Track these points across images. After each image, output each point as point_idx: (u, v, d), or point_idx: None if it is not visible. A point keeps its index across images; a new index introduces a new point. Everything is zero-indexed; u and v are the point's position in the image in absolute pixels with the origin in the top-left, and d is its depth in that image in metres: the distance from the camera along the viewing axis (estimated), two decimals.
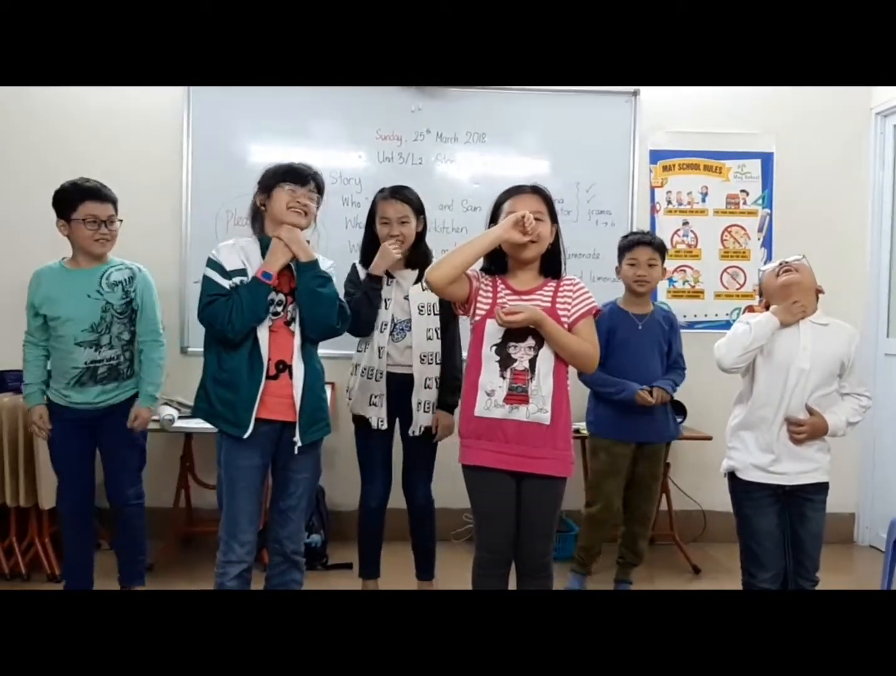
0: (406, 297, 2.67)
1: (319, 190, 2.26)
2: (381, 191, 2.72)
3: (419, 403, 2.67)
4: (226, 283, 2.15)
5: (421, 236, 2.73)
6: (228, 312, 2.11)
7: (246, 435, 2.13)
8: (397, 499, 2.86)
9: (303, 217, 2.20)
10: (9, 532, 3.12)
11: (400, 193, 2.68)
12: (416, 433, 2.69)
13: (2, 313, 3.44)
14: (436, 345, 2.68)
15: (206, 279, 2.19)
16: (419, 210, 2.71)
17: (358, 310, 2.48)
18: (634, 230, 3.25)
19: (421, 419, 2.69)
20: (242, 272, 2.17)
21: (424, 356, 2.67)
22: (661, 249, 2.92)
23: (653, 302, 3.03)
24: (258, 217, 2.27)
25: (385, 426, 2.68)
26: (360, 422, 2.73)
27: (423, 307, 2.66)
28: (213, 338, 2.19)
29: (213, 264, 2.19)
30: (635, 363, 2.85)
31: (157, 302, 2.72)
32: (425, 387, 2.68)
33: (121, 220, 2.63)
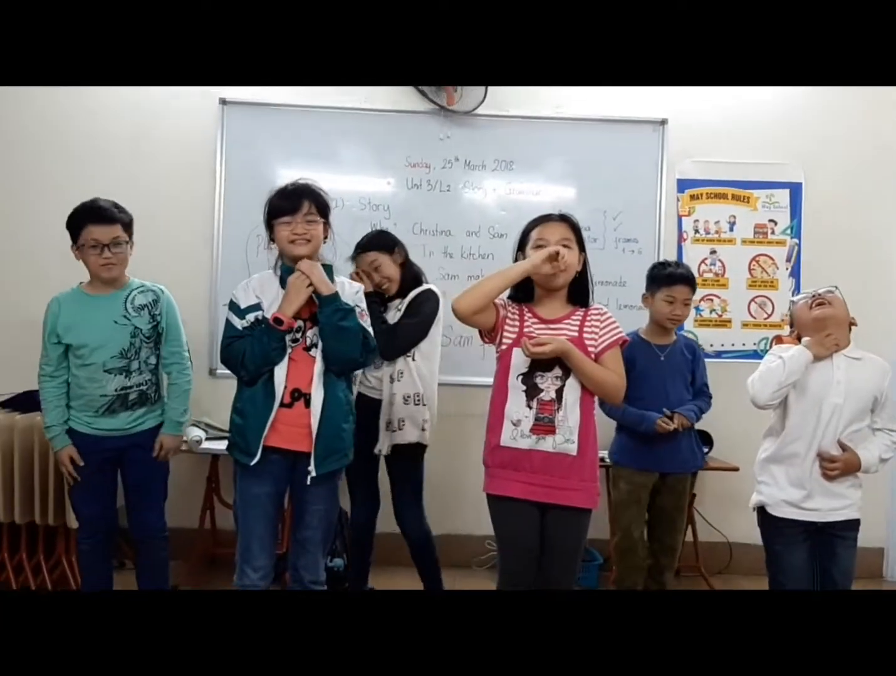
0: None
1: (319, 208, 2.21)
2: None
3: (386, 423, 2.72)
4: (240, 323, 2.19)
5: (405, 265, 2.84)
6: (241, 356, 2.14)
7: (253, 463, 2.14)
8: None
9: (305, 245, 2.18)
10: (36, 549, 3.16)
11: (364, 246, 2.81)
12: (384, 452, 2.73)
13: (35, 334, 3.52)
14: (404, 364, 2.73)
15: (226, 321, 2.25)
16: (390, 246, 2.81)
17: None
18: (670, 260, 3.14)
19: (385, 438, 2.72)
20: (256, 307, 2.19)
21: (393, 375, 2.73)
22: (694, 286, 2.89)
23: (676, 331, 2.97)
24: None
25: None
26: None
27: None
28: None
29: (231, 305, 2.24)
30: (658, 394, 2.79)
31: (182, 324, 2.66)
32: (390, 405, 2.71)
33: (127, 242, 2.49)
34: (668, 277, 2.82)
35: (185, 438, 2.75)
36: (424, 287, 2.83)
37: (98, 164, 3.65)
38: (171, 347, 2.61)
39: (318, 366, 2.17)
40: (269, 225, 2.22)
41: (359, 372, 2.70)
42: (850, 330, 2.32)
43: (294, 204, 2.17)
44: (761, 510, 2.33)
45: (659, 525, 2.89)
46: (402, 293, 2.81)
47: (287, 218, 2.16)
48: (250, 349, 2.13)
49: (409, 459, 2.78)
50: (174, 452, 2.62)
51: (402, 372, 2.73)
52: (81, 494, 2.56)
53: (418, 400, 2.75)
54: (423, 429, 2.75)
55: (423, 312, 2.76)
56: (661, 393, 2.79)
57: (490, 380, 2.24)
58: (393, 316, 2.79)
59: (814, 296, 2.32)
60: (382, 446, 2.74)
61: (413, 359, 2.74)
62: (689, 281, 2.83)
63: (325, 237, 2.26)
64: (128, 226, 2.51)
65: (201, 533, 3.47)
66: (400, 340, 2.71)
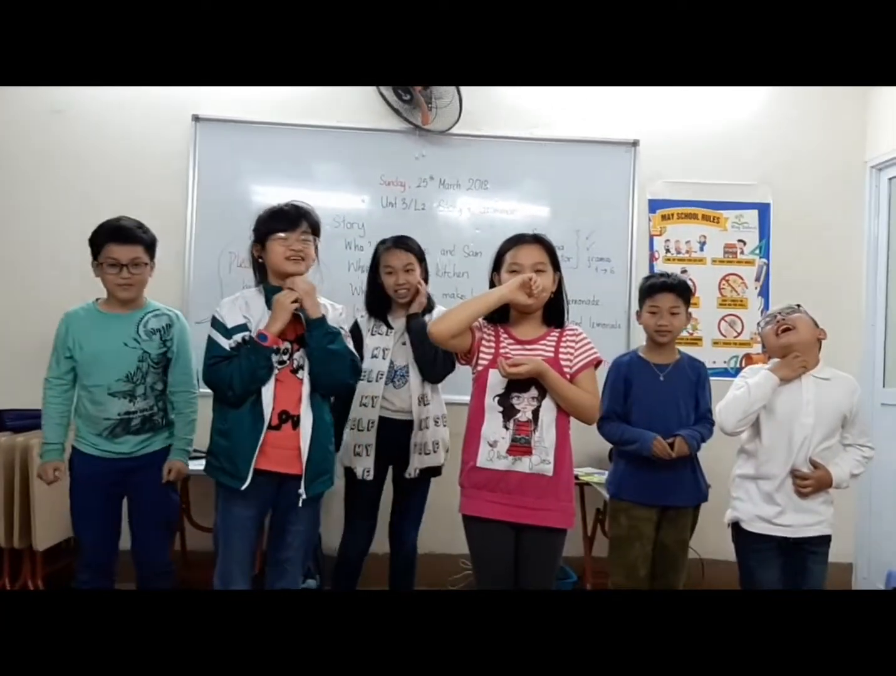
0: (405, 343, 2.69)
1: (313, 228, 2.23)
2: (384, 242, 2.75)
3: (415, 445, 2.68)
4: (227, 343, 2.15)
5: (423, 282, 2.77)
6: (229, 377, 2.11)
7: (243, 487, 2.12)
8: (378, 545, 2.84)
9: (300, 263, 2.19)
10: (1, 572, 3.08)
11: (402, 242, 2.72)
12: (412, 475, 2.69)
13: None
14: (428, 386, 2.70)
15: (209, 340, 2.19)
16: (421, 257, 2.75)
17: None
18: (659, 272, 2.89)
19: (416, 461, 2.69)
20: (244, 327, 2.16)
21: (422, 397, 2.69)
22: (685, 293, 2.62)
23: (679, 350, 2.71)
24: (258, 267, 2.27)
25: (371, 476, 2.65)
26: (348, 473, 2.72)
27: None
28: (217, 397, 2.21)
29: (215, 323, 2.19)
30: (656, 417, 2.55)
31: (192, 351, 2.54)
32: (421, 429, 2.68)
33: (147, 264, 2.44)
34: (649, 288, 2.62)
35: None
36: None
37: (69, 179, 3.61)
38: (179, 375, 2.52)
39: (306, 389, 2.17)
40: (261, 241, 2.20)
41: (379, 394, 2.65)
42: (819, 346, 2.35)
43: (292, 221, 2.18)
44: (735, 525, 2.35)
45: (661, 562, 2.60)
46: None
47: (284, 234, 2.16)
48: (238, 369, 2.11)
49: (427, 481, 2.77)
50: (181, 474, 2.51)
51: (426, 395, 2.69)
52: (85, 519, 2.44)
53: (445, 422, 2.76)
54: (446, 450, 2.76)
55: None
56: (659, 416, 2.55)
57: (464, 399, 2.25)
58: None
59: (778, 321, 2.34)
60: (412, 469, 2.68)
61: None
62: (671, 288, 2.58)
63: (314, 259, 2.27)
64: (149, 247, 2.46)
65: (172, 556, 3.40)
66: (451, 367, 2.61)
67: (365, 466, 2.66)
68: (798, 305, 2.39)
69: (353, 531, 2.77)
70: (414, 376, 2.68)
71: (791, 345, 2.28)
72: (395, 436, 2.67)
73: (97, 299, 2.51)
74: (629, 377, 2.60)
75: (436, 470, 2.77)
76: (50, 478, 2.44)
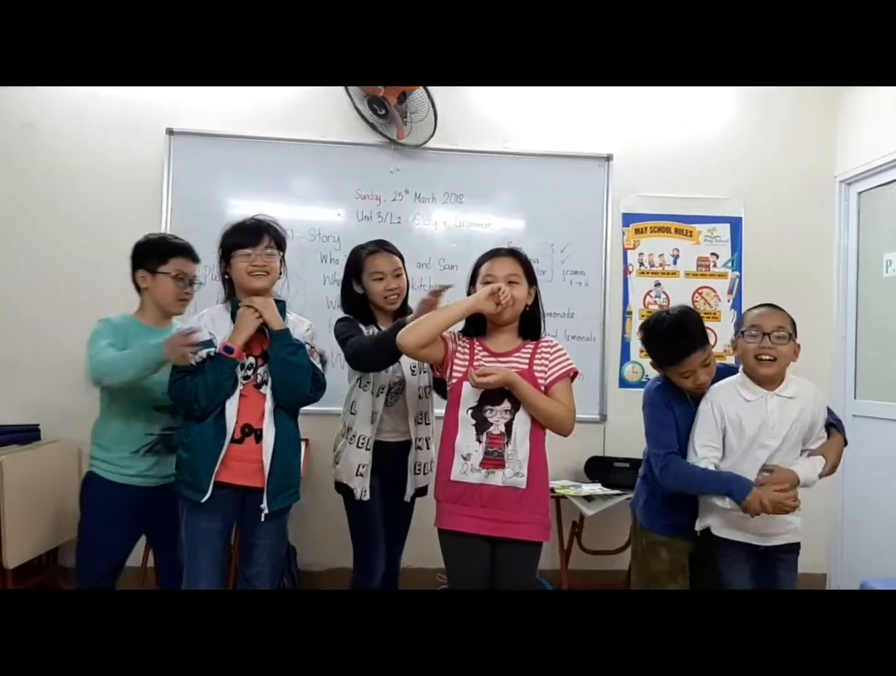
0: None
1: (277, 242, 2.23)
2: (363, 247, 2.58)
3: (415, 464, 2.54)
4: (192, 359, 2.13)
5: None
6: (194, 390, 2.12)
7: (203, 500, 2.11)
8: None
9: (265, 278, 2.20)
10: None
11: (386, 246, 2.58)
12: (409, 496, 2.56)
13: None
14: (426, 405, 2.58)
15: None
16: (402, 261, 2.61)
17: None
18: (657, 320, 2.33)
19: (415, 482, 2.56)
20: (209, 343, 2.16)
21: (418, 416, 2.54)
22: (706, 344, 2.28)
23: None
24: (227, 282, 2.28)
25: (367, 497, 2.47)
26: (345, 492, 2.52)
27: (414, 367, 2.52)
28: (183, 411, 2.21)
29: None
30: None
31: None
32: (417, 448, 2.55)
33: (201, 283, 2.48)
34: (672, 354, 2.25)
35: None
36: None
37: (41, 193, 3.57)
38: None
39: (269, 404, 2.18)
40: (226, 258, 2.23)
41: (379, 411, 2.48)
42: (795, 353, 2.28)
43: (255, 237, 2.19)
44: (706, 532, 2.35)
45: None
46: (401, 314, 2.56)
47: (247, 250, 2.18)
48: (203, 382, 2.12)
49: (414, 501, 2.61)
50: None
51: (422, 413, 2.56)
52: (97, 554, 2.32)
53: (427, 444, 2.60)
54: (433, 471, 2.56)
55: None
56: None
57: (437, 412, 2.24)
58: None
59: (764, 348, 2.22)
60: (410, 490, 2.55)
61: (427, 397, 2.60)
62: (698, 344, 2.23)
63: (280, 273, 2.27)
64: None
65: (143, 573, 3.36)
66: (392, 360, 2.42)
67: (363, 486, 2.47)
68: (791, 333, 2.26)
69: (372, 555, 2.56)
70: (410, 393, 2.53)
71: (767, 377, 2.24)
72: (387, 460, 2.51)
73: (127, 313, 2.42)
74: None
75: (424, 490, 2.62)
76: (190, 340, 2.11)
